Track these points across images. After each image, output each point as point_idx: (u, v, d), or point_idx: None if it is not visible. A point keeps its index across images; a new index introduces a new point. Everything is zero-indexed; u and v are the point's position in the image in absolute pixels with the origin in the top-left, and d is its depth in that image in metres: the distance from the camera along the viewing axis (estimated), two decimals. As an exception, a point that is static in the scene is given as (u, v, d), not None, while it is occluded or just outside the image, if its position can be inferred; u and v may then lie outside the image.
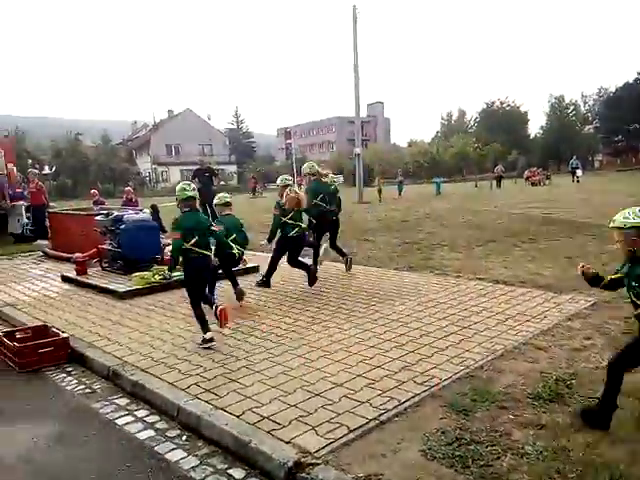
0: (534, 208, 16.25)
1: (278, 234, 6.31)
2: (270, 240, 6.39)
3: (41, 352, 4.32)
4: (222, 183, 24.58)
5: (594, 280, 3.03)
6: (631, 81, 65.81)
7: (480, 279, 6.51)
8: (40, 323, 5.13)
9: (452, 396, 3.24)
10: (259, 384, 3.53)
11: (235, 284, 5.85)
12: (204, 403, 3.28)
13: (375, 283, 6.53)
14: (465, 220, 13.49)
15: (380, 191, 25.45)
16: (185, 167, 62.45)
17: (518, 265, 7.29)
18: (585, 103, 77.36)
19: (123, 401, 3.64)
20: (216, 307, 4.47)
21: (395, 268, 7.51)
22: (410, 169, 57.30)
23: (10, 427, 3.32)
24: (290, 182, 6.71)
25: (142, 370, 3.90)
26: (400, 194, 27.04)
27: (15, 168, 14.24)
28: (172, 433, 3.16)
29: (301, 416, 3.05)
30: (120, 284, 6.72)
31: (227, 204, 6.02)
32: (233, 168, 65.94)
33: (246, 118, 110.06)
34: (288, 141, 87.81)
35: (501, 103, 76.30)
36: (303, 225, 6.39)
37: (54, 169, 47.01)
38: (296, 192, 6.36)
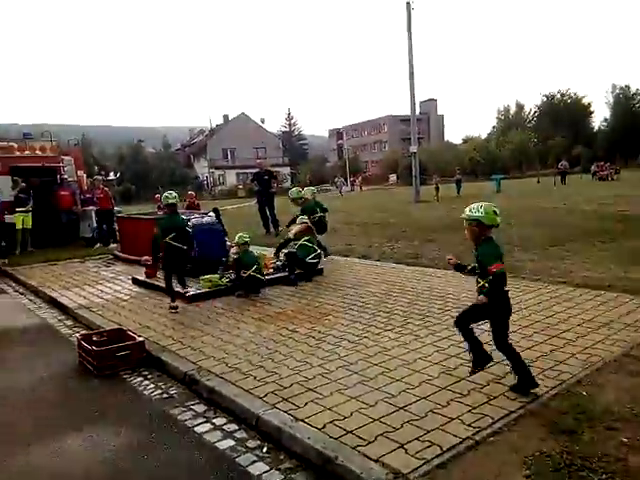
0: (607, 205, 15.34)
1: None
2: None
3: (118, 355, 4.37)
4: (280, 185, 24.78)
5: (459, 267, 3.87)
6: None
7: (561, 282, 6.10)
8: (115, 326, 5.23)
9: (552, 414, 2.97)
10: (338, 394, 3.39)
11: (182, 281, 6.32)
12: (283, 413, 3.17)
13: (446, 286, 6.26)
14: (534, 218, 12.86)
15: (438, 189, 24.83)
16: (240, 170, 63.79)
17: (601, 267, 6.79)
18: (655, 93, 72.62)
19: (200, 408, 3.59)
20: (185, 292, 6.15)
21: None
22: (466, 166, 55.75)
23: (92, 432, 3.34)
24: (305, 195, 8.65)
25: (217, 376, 3.84)
26: (459, 192, 26.29)
27: (84, 175, 14.88)
28: (252, 444, 3.06)
29: (387, 432, 2.87)
30: (189, 287, 6.78)
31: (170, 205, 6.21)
32: (286, 170, 66.61)
33: (298, 120, 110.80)
34: (339, 142, 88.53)
35: (562, 95, 72.85)
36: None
37: (119, 175, 49.18)
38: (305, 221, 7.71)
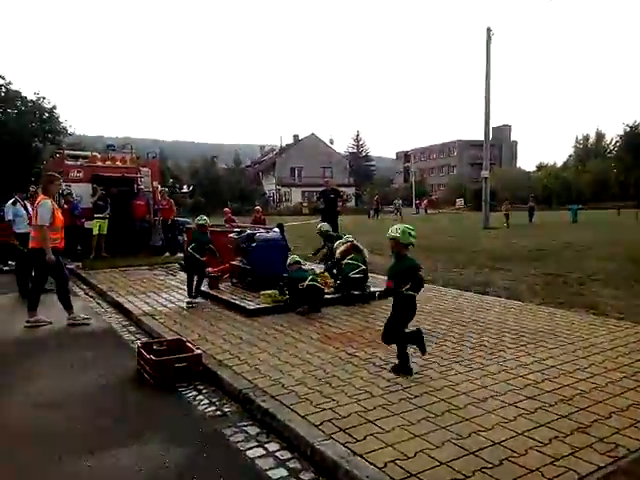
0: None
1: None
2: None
3: (176, 367, 4.32)
4: (345, 205, 24.80)
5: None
6: None
7: (653, 324, 5.49)
8: (175, 336, 5.22)
9: (651, 477, 2.55)
10: (400, 430, 3.11)
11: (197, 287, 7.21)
12: (340, 445, 2.94)
13: (519, 319, 5.80)
14: (617, 252, 11.93)
15: (508, 216, 23.82)
16: (306, 188, 64.65)
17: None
18: None
19: (253, 429, 3.43)
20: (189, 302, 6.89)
21: (541, 303, 6.67)
22: (539, 194, 53.45)
23: (142, 448, 3.25)
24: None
25: (272, 397, 3.68)
26: (531, 220, 25.09)
27: (159, 186, 15.48)
28: (306, 476, 2.85)
29: (456, 479, 2.57)
30: (249, 301, 6.74)
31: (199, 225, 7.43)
32: (351, 190, 66.75)
33: (366, 141, 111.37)
34: (406, 164, 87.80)
35: (647, 125, 68.45)
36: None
37: (192, 188, 51.17)
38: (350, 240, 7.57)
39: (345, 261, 7.07)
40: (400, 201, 43.50)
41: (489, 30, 21.56)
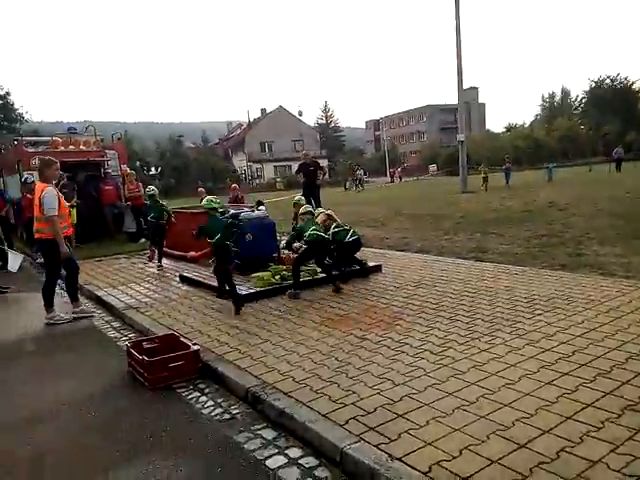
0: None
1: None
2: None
3: (172, 366, 3.91)
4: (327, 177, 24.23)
5: None
6: None
7: (664, 281, 5.31)
8: (167, 331, 4.79)
9: None
10: (436, 424, 2.79)
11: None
12: (374, 448, 2.60)
13: (527, 285, 5.55)
14: (600, 208, 11.87)
15: (486, 179, 23.69)
16: (278, 163, 63.65)
17: None
18: None
19: (269, 433, 3.07)
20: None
21: (543, 267, 6.44)
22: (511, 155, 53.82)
23: (145, 465, 2.86)
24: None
25: (285, 394, 3.31)
26: (507, 182, 25.07)
27: (127, 169, 14.70)
28: (339, 486, 2.52)
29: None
30: (239, 285, 6.31)
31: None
32: (324, 162, 66.02)
33: (335, 112, 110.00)
34: (377, 133, 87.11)
35: (612, 80, 69.28)
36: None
37: (160, 170, 49.71)
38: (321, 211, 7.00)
39: (333, 230, 6.50)
40: (362, 171, 41.79)
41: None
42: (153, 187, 8.98)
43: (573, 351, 3.64)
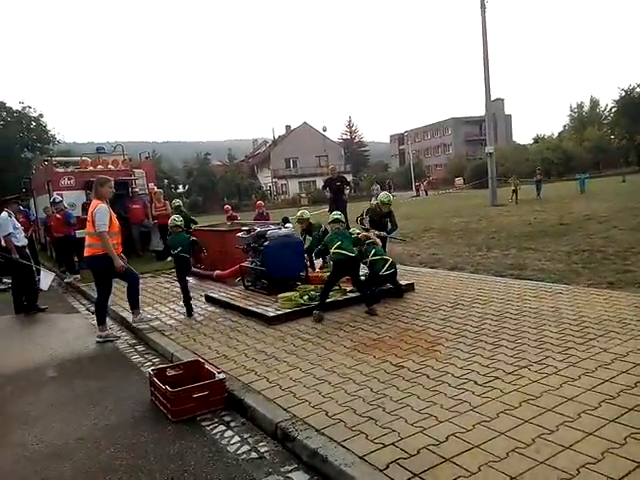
0: None
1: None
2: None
3: (196, 397, 3.68)
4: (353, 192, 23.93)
5: None
6: None
7: None
8: (191, 356, 4.58)
9: None
10: (488, 469, 2.46)
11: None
12: (421, 500, 2.30)
13: (574, 306, 5.15)
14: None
15: (515, 192, 23.09)
16: (303, 179, 63.87)
17: None
18: None
19: (300, 477, 2.79)
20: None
21: (589, 285, 6.03)
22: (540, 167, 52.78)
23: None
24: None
25: (317, 431, 3.03)
26: (539, 194, 24.37)
27: (155, 188, 14.76)
28: None
29: None
30: (267, 306, 6.09)
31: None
32: (349, 177, 66.04)
33: (359, 127, 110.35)
34: (401, 147, 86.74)
35: (643, 88, 67.47)
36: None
37: (187, 188, 50.34)
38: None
39: (371, 258, 6.18)
40: (378, 186, 40.92)
41: (483, -1, 20.71)
42: (178, 200, 8.96)
43: (635, 382, 3.27)
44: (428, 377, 3.70)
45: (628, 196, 19.72)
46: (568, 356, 3.83)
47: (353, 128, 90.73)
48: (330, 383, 3.75)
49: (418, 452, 2.70)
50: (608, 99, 79.79)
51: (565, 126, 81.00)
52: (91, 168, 13.31)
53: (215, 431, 3.45)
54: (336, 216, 6.09)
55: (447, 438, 2.81)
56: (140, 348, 5.60)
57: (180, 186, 53.27)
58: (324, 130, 65.85)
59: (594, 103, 78.71)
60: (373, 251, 6.17)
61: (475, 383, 3.50)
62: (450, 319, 5.11)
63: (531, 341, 4.25)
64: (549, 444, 2.65)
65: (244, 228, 7.21)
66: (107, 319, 6.76)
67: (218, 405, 3.75)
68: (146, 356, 5.30)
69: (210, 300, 7.08)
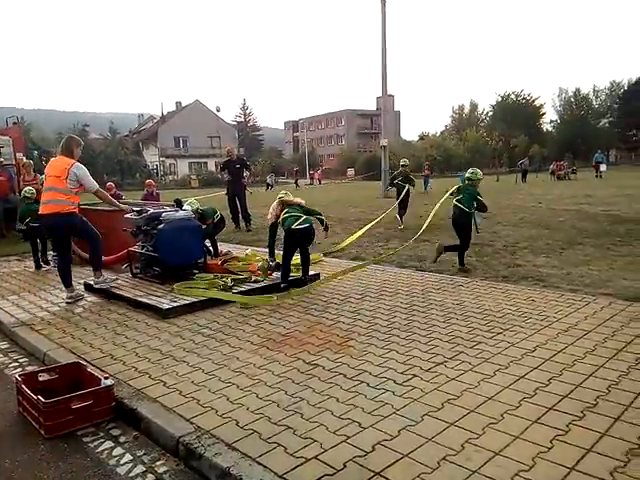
0: (584, 204, 15.01)
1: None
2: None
3: (76, 408, 3.08)
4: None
5: None
6: (648, 75, 64.68)
7: (606, 294, 5.25)
8: (70, 357, 3.89)
9: None
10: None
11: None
12: (354, 526, 2.03)
13: (479, 300, 5.25)
14: (521, 218, 12.20)
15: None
16: (193, 159, 61.32)
17: (632, 274, 6.01)
18: (597, 97, 76.14)
19: (210, 503, 2.39)
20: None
21: (486, 277, 6.24)
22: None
23: None
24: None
25: (228, 446, 2.64)
26: (426, 189, 25.65)
27: (24, 158, 12.99)
28: None
29: None
30: (160, 297, 5.48)
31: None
32: (242, 161, 64.60)
33: (253, 110, 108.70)
34: (296, 134, 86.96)
35: (516, 96, 74.68)
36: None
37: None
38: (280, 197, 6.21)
39: (283, 215, 5.85)
40: (274, 175, 41.65)
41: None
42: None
43: (548, 379, 3.30)
44: (345, 376, 3.45)
45: (503, 194, 21.41)
46: (480, 351, 3.82)
47: (248, 111, 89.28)
48: (239, 386, 3.36)
49: (344, 466, 2.43)
50: (486, 103, 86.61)
51: (447, 126, 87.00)
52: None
53: (101, 449, 2.90)
54: (280, 194, 6.14)
55: (373, 447, 2.57)
56: (4, 346, 4.72)
57: (52, 158, 48.31)
58: (218, 110, 63.75)
59: (473, 106, 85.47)
60: (286, 210, 5.91)
61: (394, 382, 3.33)
62: (359, 312, 4.94)
63: (442, 335, 4.20)
64: (479, 450, 2.52)
65: (135, 209, 6.42)
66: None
67: (104, 416, 3.18)
68: (11, 355, 4.47)
69: (91, 289, 6.23)
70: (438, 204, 7.97)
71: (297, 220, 5.72)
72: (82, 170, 5.75)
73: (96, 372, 3.46)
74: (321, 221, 6.18)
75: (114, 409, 3.22)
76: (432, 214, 8.05)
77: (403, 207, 11.51)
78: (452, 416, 2.86)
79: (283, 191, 6.44)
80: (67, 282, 5.83)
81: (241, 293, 5.52)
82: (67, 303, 5.73)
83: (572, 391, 3.11)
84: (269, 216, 6.09)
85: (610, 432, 2.64)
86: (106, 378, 3.30)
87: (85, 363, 3.67)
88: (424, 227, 7.84)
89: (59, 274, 5.93)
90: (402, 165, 12.08)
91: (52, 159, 6.02)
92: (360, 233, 9.29)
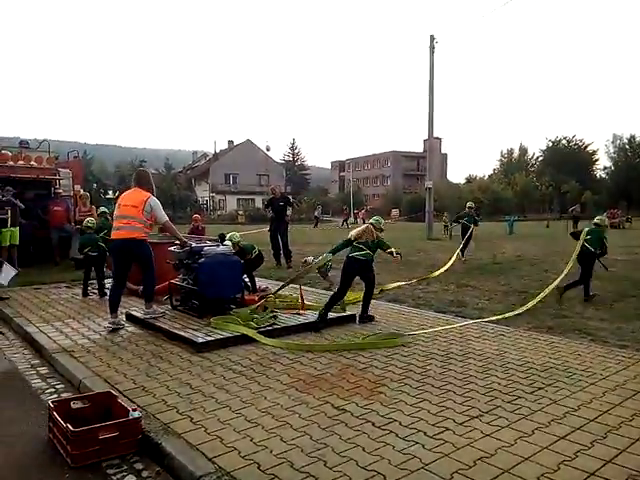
0: (638, 255, 14.29)
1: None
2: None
3: (103, 438, 3.10)
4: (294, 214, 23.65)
5: None
6: None
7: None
8: (104, 388, 3.96)
9: None
10: None
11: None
12: None
13: (518, 350, 5.02)
14: (572, 266, 11.70)
15: (447, 227, 23.81)
16: (242, 196, 62.95)
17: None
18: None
19: None
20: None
21: (530, 328, 5.98)
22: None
23: None
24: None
25: (249, 489, 2.58)
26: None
27: (81, 190, 13.71)
28: None
29: None
30: (195, 330, 5.54)
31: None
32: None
33: (302, 150, 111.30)
34: (342, 174, 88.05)
35: (567, 142, 73.28)
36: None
37: (117, 194, 48.03)
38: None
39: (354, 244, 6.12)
40: (321, 207, 44.16)
41: (433, 38, 21.45)
42: (104, 208, 8.98)
43: (591, 441, 3.08)
44: (373, 425, 3.34)
45: (553, 241, 20.75)
46: (519, 407, 3.62)
47: (296, 151, 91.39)
48: (264, 427, 3.30)
49: (367, 522, 2.31)
50: (536, 148, 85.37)
51: (495, 169, 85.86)
52: (11, 163, 12.10)
53: (123, 483, 2.90)
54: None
55: (399, 504, 2.45)
56: (43, 370, 4.86)
57: (110, 191, 50.71)
58: (267, 149, 65.66)
59: (523, 150, 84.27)
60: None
61: (425, 434, 3.19)
62: (393, 357, 4.81)
63: (479, 387, 4.02)
64: (511, 515, 2.35)
65: (177, 242, 6.60)
66: (12, 334, 5.96)
67: (129, 449, 3.19)
68: (49, 381, 4.58)
69: (131, 319, 6.38)
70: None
71: (359, 251, 6.02)
72: (156, 202, 6.07)
73: (126, 403, 3.49)
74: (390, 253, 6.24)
75: (140, 442, 3.22)
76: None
77: (465, 244, 12.80)
78: (484, 477, 2.69)
79: (376, 217, 6.66)
80: (114, 309, 6.03)
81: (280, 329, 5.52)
82: (108, 328, 5.92)
83: (617, 456, 2.88)
84: (355, 233, 6.22)
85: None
86: (134, 410, 3.31)
87: (117, 393, 3.72)
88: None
89: (110, 300, 6.12)
90: (469, 207, 13.71)
91: (127, 191, 6.32)
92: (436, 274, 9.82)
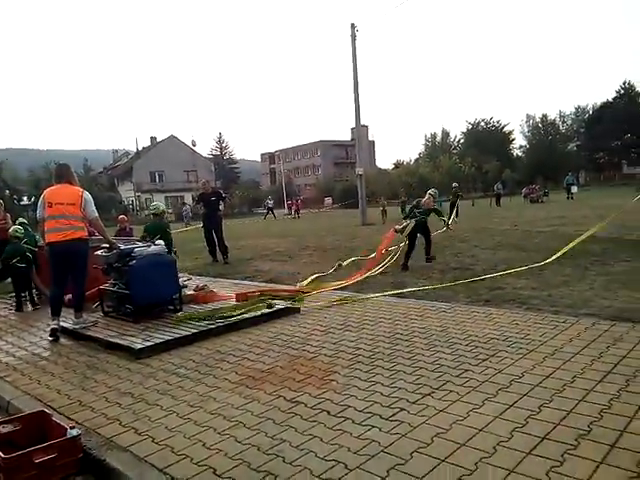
0: (558, 226, 15.22)
1: None
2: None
3: (40, 462, 2.83)
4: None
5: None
6: (611, 100, 67.49)
7: (588, 315, 5.20)
8: (36, 407, 3.63)
9: None
10: (417, 529, 2.11)
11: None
12: None
13: (460, 325, 5.15)
14: (499, 241, 12.29)
15: (385, 212, 24.28)
16: (169, 194, 60.97)
17: (612, 294, 6.01)
18: (563, 122, 78.90)
19: None
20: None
21: (468, 302, 6.17)
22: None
23: None
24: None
25: (205, 497, 2.44)
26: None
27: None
28: None
29: None
30: (132, 336, 5.24)
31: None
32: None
33: (229, 143, 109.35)
34: (272, 166, 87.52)
35: (486, 124, 76.84)
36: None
37: (33, 200, 45.16)
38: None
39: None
40: (272, 201, 43.47)
41: (354, 26, 21.58)
42: (22, 219, 8.53)
43: (539, 406, 3.18)
44: (329, 413, 3.28)
45: (480, 218, 21.69)
46: (467, 379, 3.70)
47: (224, 144, 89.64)
48: (216, 430, 3.16)
49: (332, 515, 2.25)
50: (457, 131, 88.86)
51: (420, 153, 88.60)
52: None
53: (65, 508, 2.66)
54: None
55: (363, 492, 2.40)
56: (-37, 396, 4.41)
57: (25, 198, 47.42)
58: (193, 144, 63.88)
59: (445, 134, 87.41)
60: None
61: (380, 417, 3.17)
62: (341, 343, 4.79)
63: (427, 364, 4.07)
64: (474, 488, 2.37)
65: (104, 245, 6.21)
66: None
67: (70, 470, 2.94)
68: (-29, 406, 4.17)
69: (60, 330, 5.95)
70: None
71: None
72: (89, 197, 5.75)
73: (62, 421, 3.22)
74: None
75: (82, 461, 2.98)
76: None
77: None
78: (443, 452, 2.71)
79: (433, 189, 9.65)
80: (57, 312, 5.70)
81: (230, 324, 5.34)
82: (51, 334, 5.63)
83: (564, 418, 3.00)
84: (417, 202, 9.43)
85: (607, 460, 2.52)
86: (72, 428, 3.05)
87: (51, 412, 3.42)
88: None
89: (51, 303, 5.76)
90: (455, 187, 15.31)
91: (53, 188, 5.70)
92: (372, 272, 8.63)
